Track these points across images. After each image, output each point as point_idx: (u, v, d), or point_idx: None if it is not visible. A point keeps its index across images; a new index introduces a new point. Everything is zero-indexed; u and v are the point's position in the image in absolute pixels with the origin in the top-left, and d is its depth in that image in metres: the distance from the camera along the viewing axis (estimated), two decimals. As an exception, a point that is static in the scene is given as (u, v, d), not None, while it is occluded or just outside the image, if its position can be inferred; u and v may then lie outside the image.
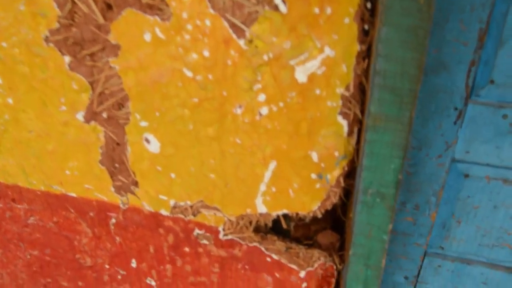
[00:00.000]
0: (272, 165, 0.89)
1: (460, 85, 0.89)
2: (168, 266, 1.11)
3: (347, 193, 0.95)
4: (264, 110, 0.84)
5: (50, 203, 1.13)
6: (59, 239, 1.18)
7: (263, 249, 1.00)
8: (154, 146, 0.95)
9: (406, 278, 1.26)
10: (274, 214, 0.94)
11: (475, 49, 0.85)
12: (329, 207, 0.92)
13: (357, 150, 0.88)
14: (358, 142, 0.87)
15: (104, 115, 0.96)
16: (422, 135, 0.98)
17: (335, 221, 1.07)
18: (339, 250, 1.03)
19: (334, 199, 0.91)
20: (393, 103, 0.78)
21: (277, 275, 1.03)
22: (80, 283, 1.24)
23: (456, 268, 1.21)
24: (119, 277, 1.18)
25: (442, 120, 0.95)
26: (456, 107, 0.93)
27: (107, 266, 1.18)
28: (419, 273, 1.25)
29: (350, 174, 0.91)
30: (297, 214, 0.94)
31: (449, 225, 1.14)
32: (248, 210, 0.96)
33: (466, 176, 1.03)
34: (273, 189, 0.91)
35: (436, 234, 1.17)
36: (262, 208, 0.94)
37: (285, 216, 0.97)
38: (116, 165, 1.01)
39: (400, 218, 1.14)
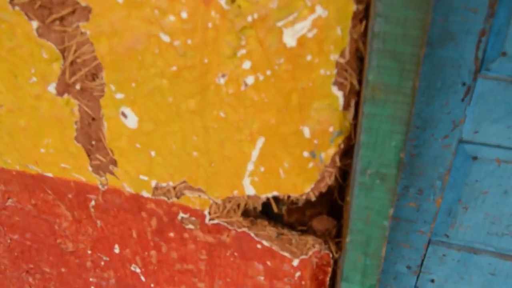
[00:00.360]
0: (260, 142, 0.80)
1: (469, 58, 0.81)
2: (153, 253, 1.03)
3: (344, 174, 0.86)
4: (250, 80, 0.75)
5: (27, 184, 1.05)
6: (39, 222, 1.11)
7: (252, 235, 0.91)
8: (131, 121, 0.87)
9: (408, 267, 1.19)
10: (263, 196, 0.86)
11: (486, 17, 0.76)
12: (323, 189, 0.83)
13: (354, 125, 0.79)
14: (355, 116, 0.78)
15: (77, 87, 0.88)
16: (427, 113, 0.90)
17: (332, 206, 0.98)
18: (336, 237, 0.94)
19: (329, 181, 0.82)
20: (394, 70, 0.69)
21: (268, 263, 0.94)
22: (63, 269, 1.18)
23: (462, 257, 1.13)
24: (102, 263, 1.11)
25: (449, 97, 0.87)
26: (464, 82, 0.84)
27: (89, 252, 1.10)
28: (422, 263, 1.18)
29: (347, 152, 0.82)
30: (288, 197, 0.85)
31: (455, 211, 1.07)
32: (235, 192, 0.87)
33: (475, 158, 0.96)
34: (262, 169, 0.83)
35: (441, 221, 1.10)
36: (250, 190, 0.86)
37: (276, 199, 0.88)
38: (93, 142, 0.93)
39: (402, 204, 1.06)
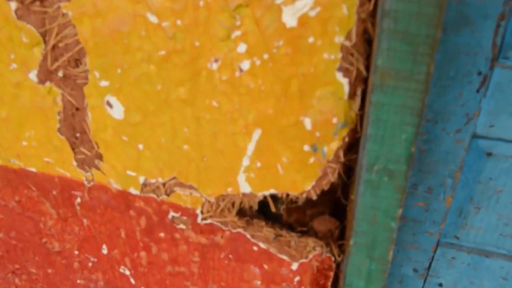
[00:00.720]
0: (256, 134, 0.73)
1: (486, 45, 0.74)
2: (143, 254, 0.96)
3: (349, 170, 0.78)
4: (245, 65, 0.68)
5: (10, 180, 0.98)
6: (23, 220, 1.04)
7: (248, 236, 0.84)
8: (117, 111, 0.80)
9: (415, 270, 1.12)
10: (260, 194, 0.78)
11: (505, 0, 0.69)
12: (326, 187, 0.76)
13: (360, 116, 0.71)
14: (362, 106, 0.71)
15: (60, 74, 0.81)
16: (438, 105, 0.84)
17: (335, 205, 0.91)
18: (339, 239, 0.87)
19: (332, 178, 0.74)
20: (406, 54, 0.62)
21: (265, 266, 0.87)
22: (49, 270, 1.11)
23: (473, 260, 1.07)
24: (90, 264, 1.04)
25: (463, 87, 0.80)
26: (480, 71, 0.77)
27: (76, 252, 1.03)
28: (430, 266, 1.12)
29: (352, 147, 0.75)
30: (287, 195, 0.78)
31: (467, 211, 1.01)
32: (229, 190, 0.80)
33: (489, 154, 0.90)
34: (258, 164, 0.75)
35: (451, 222, 1.04)
36: (245, 187, 0.78)
37: (274, 197, 0.81)
38: (77, 134, 0.86)
39: (410, 203, 0.99)
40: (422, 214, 1.03)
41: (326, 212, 0.88)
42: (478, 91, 0.79)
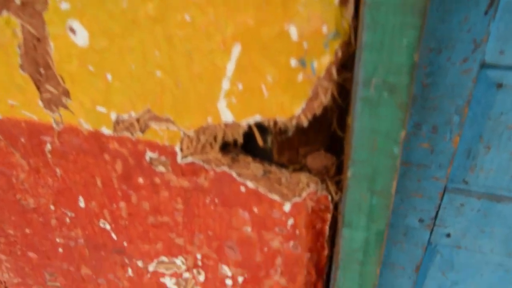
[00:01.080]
0: (236, 50, 0.64)
1: (495, -43, 0.65)
2: (122, 204, 0.88)
3: (345, 94, 0.69)
4: (218, -36, 0.59)
5: (-25, 129, 0.90)
6: (-6, 176, 0.96)
7: (234, 175, 0.76)
8: (81, 37, 0.71)
9: (421, 221, 1.04)
10: (244, 123, 0.69)
11: None
12: (318, 110, 0.67)
13: (354, 28, 0.62)
14: (355, 15, 0.61)
15: (17, 1, 0.72)
16: (442, 32, 0.76)
17: (331, 143, 0.82)
18: (336, 177, 0.78)
19: (325, 99, 0.65)
20: None
21: (255, 209, 0.79)
22: (27, 230, 1.03)
23: (483, 206, 0.99)
24: (68, 220, 0.96)
25: (469, 10, 0.72)
26: (488, -10, 0.67)
27: (52, 208, 0.95)
28: (437, 215, 1.04)
29: (346, 64, 0.66)
30: (275, 123, 0.69)
31: (476, 151, 0.93)
32: (209, 120, 0.71)
33: (499, 86, 0.82)
34: (240, 86, 0.66)
35: (459, 165, 0.96)
36: (227, 115, 0.69)
37: (261, 128, 0.72)
38: (41, 70, 0.77)
39: (414, 145, 0.91)
40: (427, 157, 0.95)
41: (320, 149, 0.79)
42: (486, 13, 0.70)
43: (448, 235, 1.05)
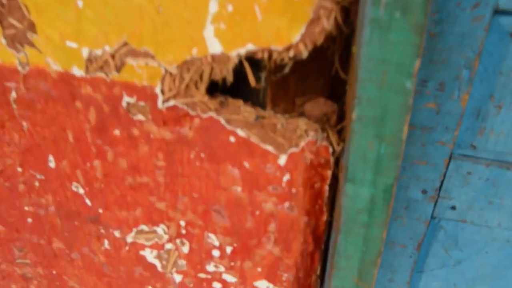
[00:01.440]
0: (226, -37, 0.55)
1: None
2: (97, 163, 0.78)
3: (351, 29, 0.60)
4: None
5: None
6: (-44, 134, 0.86)
7: (223, 121, 0.66)
8: (48, -45, 0.61)
9: (424, 192, 0.96)
10: (233, 54, 0.60)
11: None
12: (319, 38, 0.57)
13: None
14: None
15: None
16: None
17: (332, 94, 0.73)
18: (337, 126, 0.69)
19: (327, 23, 0.56)
20: None
21: (246, 164, 0.69)
22: (-7, 199, 0.93)
23: (492, 175, 0.91)
24: (37, 184, 0.85)
25: None
26: None
27: (19, 169, 0.85)
28: (441, 185, 0.95)
29: (354, -15, 0.56)
30: (270, 54, 0.60)
31: (485, 112, 0.86)
32: (195, 51, 0.61)
33: None
34: (230, 8, 0.57)
35: (467, 127, 0.88)
36: (215, 45, 0.60)
37: (252, 62, 0.63)
38: (3, 0, 0.67)
39: (418, 106, 0.83)
40: (432, 119, 0.86)
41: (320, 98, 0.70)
42: None
43: (453, 208, 0.97)
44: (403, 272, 1.09)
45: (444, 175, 0.95)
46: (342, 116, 0.70)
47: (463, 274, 1.07)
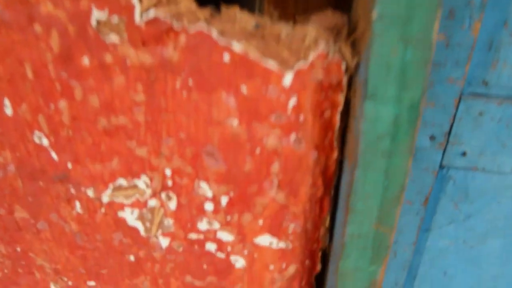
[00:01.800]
0: None
1: None
2: (63, 104, 0.65)
3: None
4: None
5: None
6: None
7: (215, 34, 0.55)
8: None
9: (432, 138, 0.88)
10: None
11: None
12: None
13: None
14: None
15: None
16: None
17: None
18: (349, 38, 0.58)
19: None
20: None
21: (243, 89, 0.58)
22: None
23: (505, 114, 0.84)
24: (-9, 138, 0.72)
25: None
26: None
27: (-30, 122, 0.71)
28: (451, 129, 0.87)
29: None
30: None
31: (499, 41, 0.79)
32: None
33: None
34: None
35: (479, 61, 0.81)
36: None
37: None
38: None
39: None
40: (441, 53, 0.78)
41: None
42: None
43: (464, 154, 0.88)
44: (409, 233, 1.00)
45: (454, 118, 0.86)
46: (350, 32, 0.60)
47: (473, 229, 0.99)
